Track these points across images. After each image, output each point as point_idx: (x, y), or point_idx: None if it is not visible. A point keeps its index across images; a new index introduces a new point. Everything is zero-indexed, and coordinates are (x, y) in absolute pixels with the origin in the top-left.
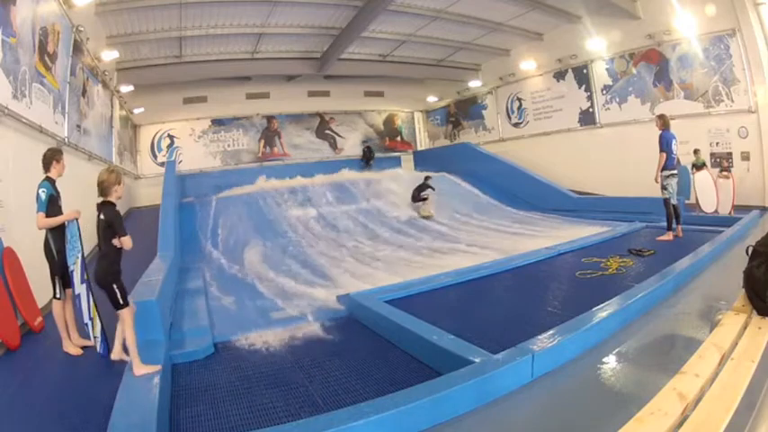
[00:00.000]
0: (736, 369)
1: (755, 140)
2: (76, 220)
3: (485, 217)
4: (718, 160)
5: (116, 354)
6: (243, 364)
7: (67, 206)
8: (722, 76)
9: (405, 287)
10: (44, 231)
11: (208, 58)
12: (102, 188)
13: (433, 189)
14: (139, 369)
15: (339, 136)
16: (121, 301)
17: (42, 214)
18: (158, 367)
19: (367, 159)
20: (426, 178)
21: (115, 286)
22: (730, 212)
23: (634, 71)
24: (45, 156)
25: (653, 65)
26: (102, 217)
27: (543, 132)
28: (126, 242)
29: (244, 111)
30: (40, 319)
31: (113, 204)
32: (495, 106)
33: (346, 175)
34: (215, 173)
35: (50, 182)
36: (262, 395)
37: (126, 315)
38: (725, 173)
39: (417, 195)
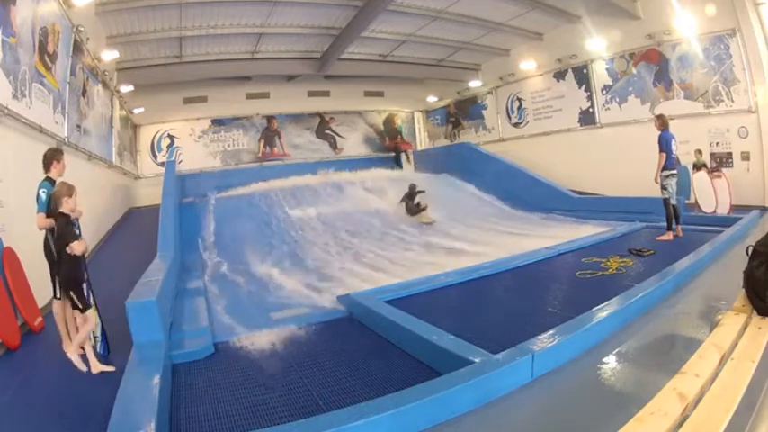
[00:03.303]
0: (736, 369)
1: (755, 140)
2: (77, 220)
3: (485, 217)
4: (718, 160)
5: (96, 368)
6: (243, 364)
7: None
8: (722, 76)
9: (405, 287)
10: (44, 231)
11: (208, 58)
12: (54, 200)
13: (423, 192)
14: (96, 367)
15: (339, 136)
16: (80, 305)
17: (43, 214)
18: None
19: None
20: (412, 187)
21: (71, 293)
22: (729, 212)
23: (634, 71)
24: (45, 156)
25: (653, 65)
26: (55, 228)
27: (543, 132)
28: (75, 247)
29: (244, 111)
30: (40, 319)
31: (65, 216)
32: (495, 106)
33: (344, 175)
34: (215, 173)
35: (51, 182)
36: (262, 395)
37: (90, 316)
38: (716, 173)
39: (413, 207)
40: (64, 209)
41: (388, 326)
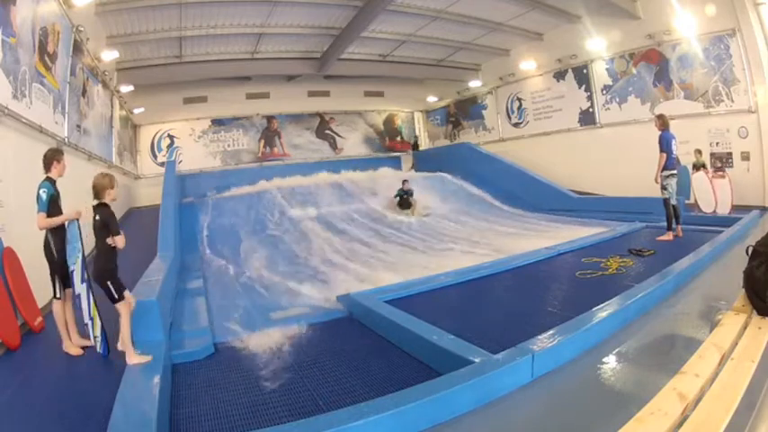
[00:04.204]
0: (736, 369)
1: (755, 140)
2: (77, 220)
3: (484, 217)
4: (720, 161)
5: (121, 345)
6: (243, 364)
7: (66, 206)
8: (722, 76)
9: (405, 287)
10: (44, 231)
11: (208, 58)
12: (96, 191)
13: (407, 180)
14: (132, 358)
15: (339, 136)
16: (116, 296)
17: (43, 214)
18: (150, 357)
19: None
20: (404, 182)
21: (110, 283)
22: (731, 212)
23: (634, 71)
24: (46, 156)
25: (653, 65)
26: (97, 217)
27: (543, 132)
28: (119, 240)
29: (244, 111)
30: (40, 319)
31: (108, 206)
32: (495, 106)
33: (347, 175)
34: (215, 173)
35: (51, 182)
36: (262, 395)
37: (122, 308)
38: (719, 172)
39: (403, 202)
40: (106, 200)
41: (388, 326)
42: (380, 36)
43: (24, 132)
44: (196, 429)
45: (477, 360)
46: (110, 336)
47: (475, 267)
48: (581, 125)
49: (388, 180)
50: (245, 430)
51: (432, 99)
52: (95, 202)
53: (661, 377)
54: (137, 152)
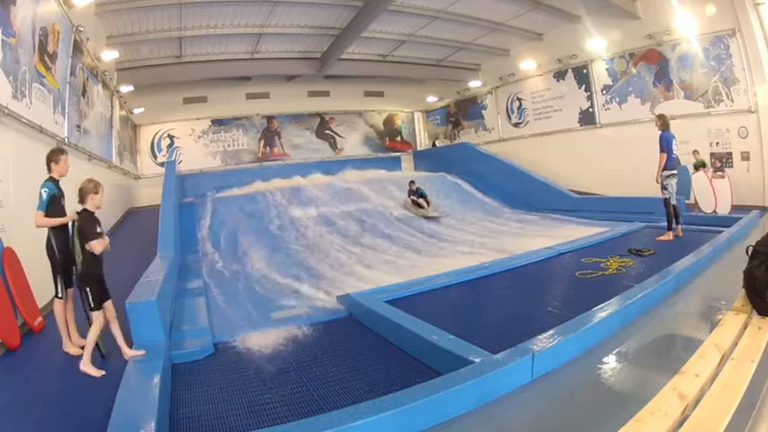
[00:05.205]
0: (736, 369)
1: (755, 140)
2: (75, 221)
3: (484, 217)
4: (719, 161)
5: (126, 354)
6: (243, 364)
7: (67, 207)
8: (722, 76)
9: (405, 287)
10: (46, 231)
11: (208, 58)
12: (80, 195)
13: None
14: (86, 366)
15: (339, 136)
16: (92, 304)
17: (41, 213)
18: (102, 372)
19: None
20: (411, 183)
21: (88, 289)
22: (731, 212)
23: (634, 71)
24: (47, 156)
25: (653, 65)
26: (77, 224)
27: (543, 132)
28: (94, 246)
29: (244, 111)
30: (40, 319)
31: (89, 212)
32: (495, 106)
33: (347, 175)
34: (215, 173)
35: (53, 182)
36: (262, 395)
37: (95, 318)
38: (719, 172)
39: (416, 201)
40: (89, 205)
41: (388, 326)
42: (380, 36)
43: (24, 132)
44: (196, 429)
45: (477, 360)
46: (109, 335)
47: (475, 267)
48: (581, 125)
49: (387, 180)
50: (245, 430)
51: (432, 99)
52: (80, 208)
53: (661, 377)
54: (137, 152)
